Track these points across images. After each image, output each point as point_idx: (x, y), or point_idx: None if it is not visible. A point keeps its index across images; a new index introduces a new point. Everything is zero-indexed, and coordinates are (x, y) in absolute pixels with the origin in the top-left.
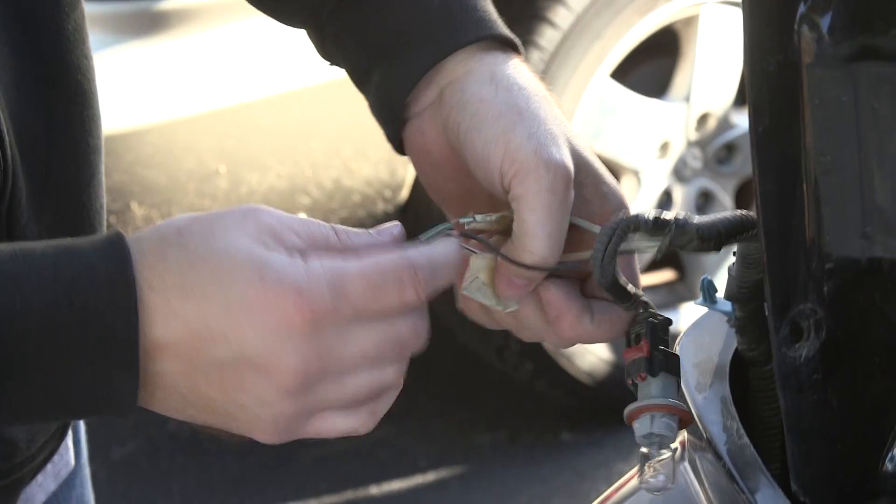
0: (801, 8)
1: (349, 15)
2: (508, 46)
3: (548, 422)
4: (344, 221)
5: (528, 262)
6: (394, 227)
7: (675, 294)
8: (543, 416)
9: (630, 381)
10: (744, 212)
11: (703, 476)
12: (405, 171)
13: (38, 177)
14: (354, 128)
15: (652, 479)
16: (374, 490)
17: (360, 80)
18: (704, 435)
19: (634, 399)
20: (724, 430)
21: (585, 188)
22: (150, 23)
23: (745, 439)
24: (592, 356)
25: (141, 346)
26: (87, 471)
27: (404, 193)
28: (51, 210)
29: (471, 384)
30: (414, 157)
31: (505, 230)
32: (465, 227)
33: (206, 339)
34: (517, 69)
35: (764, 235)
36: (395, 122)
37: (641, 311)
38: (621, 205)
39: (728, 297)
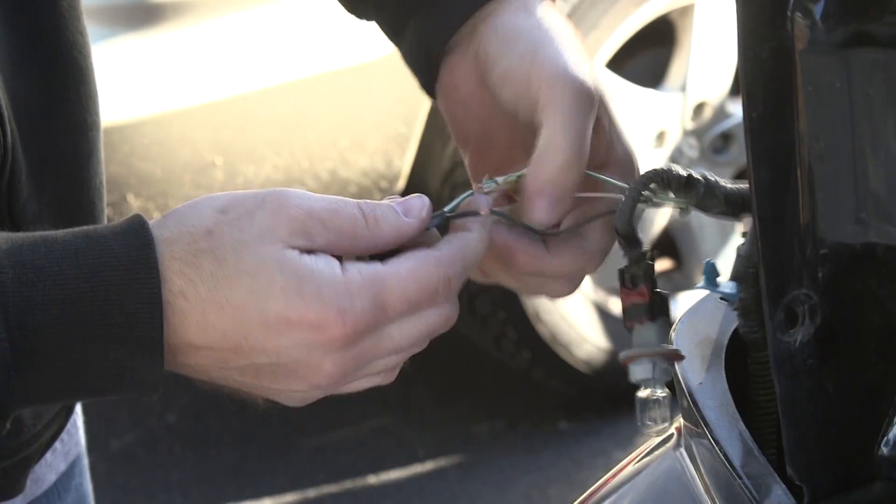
0: None
1: None
2: None
3: (546, 411)
4: None
5: (552, 169)
6: (421, 206)
7: (673, 283)
8: (541, 405)
9: (629, 324)
10: None
11: (699, 462)
12: (401, 162)
13: (37, 153)
14: (350, 119)
15: (650, 421)
16: (373, 479)
17: (395, 30)
18: (701, 421)
19: (630, 385)
20: (720, 416)
21: (599, 129)
22: (145, 15)
23: (741, 425)
24: (590, 345)
25: (171, 345)
26: (85, 461)
27: (401, 184)
28: (51, 187)
29: (469, 373)
30: (442, 97)
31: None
32: (486, 192)
33: (243, 348)
34: (548, 8)
35: (758, 221)
36: (431, 67)
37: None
38: (626, 153)
39: (734, 277)
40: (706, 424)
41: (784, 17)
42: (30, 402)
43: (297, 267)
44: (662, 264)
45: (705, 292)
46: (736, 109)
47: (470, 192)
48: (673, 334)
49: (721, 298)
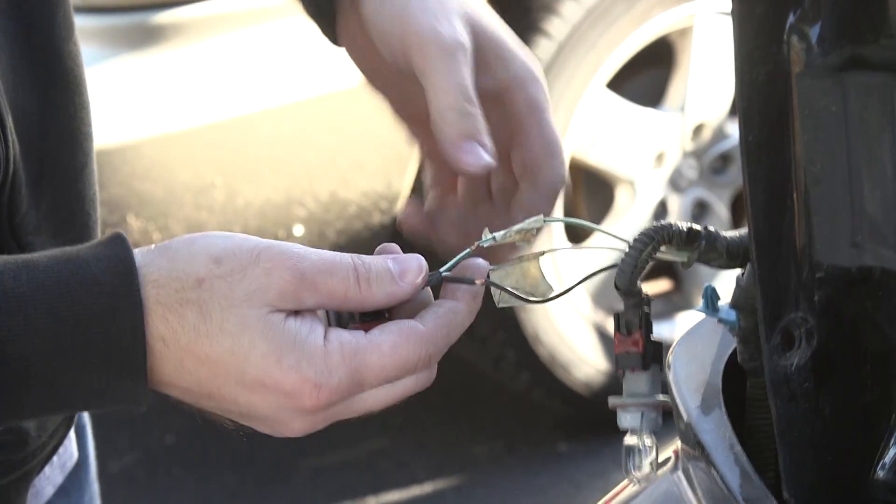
0: (791, 18)
1: None
2: None
3: (545, 432)
4: (340, 233)
5: (452, 123)
6: (417, 272)
7: (672, 304)
8: (540, 426)
9: (621, 372)
10: None
11: (696, 485)
12: (401, 183)
13: (35, 165)
14: (350, 140)
15: (637, 470)
16: (372, 501)
17: None
18: (698, 444)
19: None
20: (717, 439)
21: (486, 54)
22: (145, 36)
23: (739, 448)
24: (589, 367)
25: (148, 379)
26: (95, 486)
27: (400, 205)
28: (48, 198)
29: (468, 395)
30: (346, 48)
31: (527, 240)
32: (485, 245)
33: (216, 396)
34: None
35: (755, 244)
36: (328, 19)
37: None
38: (524, 67)
39: (734, 305)
40: (703, 448)
41: (780, 41)
42: (14, 420)
43: (280, 334)
44: (661, 286)
45: (704, 315)
46: (735, 130)
47: (469, 250)
48: (670, 357)
49: (719, 320)
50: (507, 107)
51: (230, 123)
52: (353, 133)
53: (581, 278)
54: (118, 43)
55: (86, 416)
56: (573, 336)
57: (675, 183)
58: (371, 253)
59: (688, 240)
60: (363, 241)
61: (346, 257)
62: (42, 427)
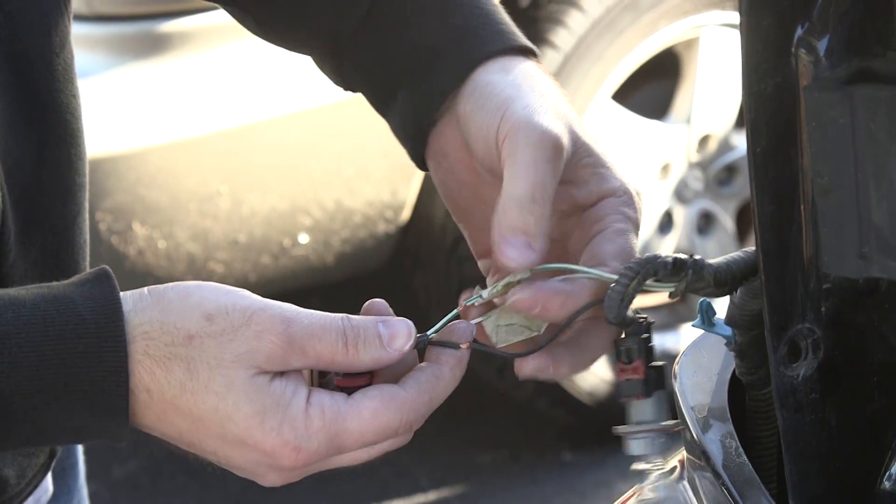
0: (799, 31)
1: (370, 38)
2: (528, 54)
3: (549, 441)
4: (345, 242)
5: (511, 216)
6: (406, 338)
7: (676, 315)
8: (544, 435)
9: (624, 400)
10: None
11: (701, 495)
12: (407, 192)
13: (26, 214)
14: (356, 148)
15: (651, 494)
16: None
17: (383, 101)
18: (703, 454)
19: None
20: (722, 450)
21: (583, 169)
22: (152, 44)
23: (744, 458)
24: (593, 376)
25: (129, 420)
26: (84, 491)
27: (406, 214)
28: (37, 247)
29: (472, 403)
30: (433, 167)
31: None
32: (476, 304)
33: (195, 446)
34: (530, 67)
35: (762, 255)
36: (422, 137)
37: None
38: (621, 186)
39: (729, 322)
40: (709, 458)
41: (788, 54)
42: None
43: (264, 396)
44: (666, 296)
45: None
46: (741, 142)
47: (455, 311)
48: (676, 367)
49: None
50: (595, 218)
51: (236, 132)
52: (358, 142)
53: (567, 320)
54: (124, 51)
55: (80, 459)
56: None
57: (681, 194)
58: (371, 259)
59: (674, 271)
60: (368, 249)
61: (336, 320)
62: (22, 475)
